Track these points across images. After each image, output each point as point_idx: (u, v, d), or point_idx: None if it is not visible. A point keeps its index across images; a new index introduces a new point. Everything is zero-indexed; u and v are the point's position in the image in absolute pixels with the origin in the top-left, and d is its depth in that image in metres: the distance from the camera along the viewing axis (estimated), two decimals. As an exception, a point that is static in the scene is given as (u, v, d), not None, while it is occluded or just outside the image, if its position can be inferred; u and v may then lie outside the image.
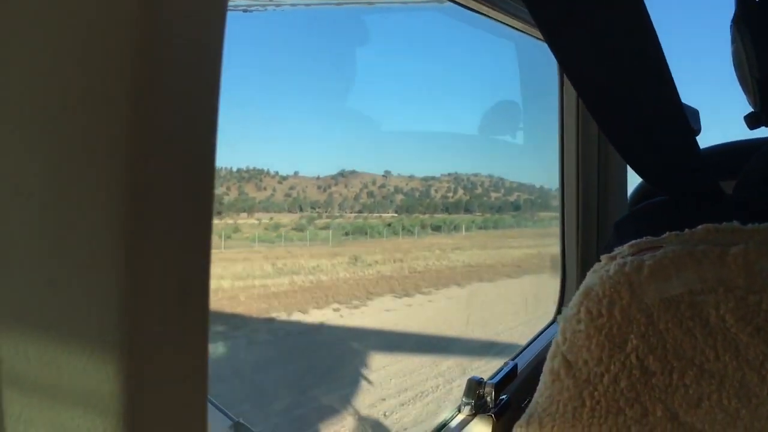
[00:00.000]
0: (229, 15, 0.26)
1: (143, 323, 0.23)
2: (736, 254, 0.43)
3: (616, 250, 0.48)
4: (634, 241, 0.48)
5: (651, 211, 0.62)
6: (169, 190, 0.23)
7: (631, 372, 0.44)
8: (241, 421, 0.66)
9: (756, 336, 0.41)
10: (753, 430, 0.42)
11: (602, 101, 0.55)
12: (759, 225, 0.45)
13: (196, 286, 0.25)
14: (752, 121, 0.58)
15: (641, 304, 0.44)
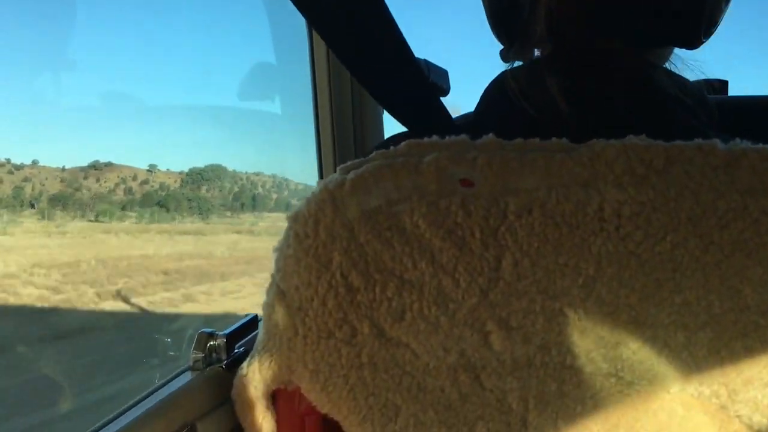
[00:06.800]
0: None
1: None
2: (429, 162, 0.43)
3: (329, 177, 0.48)
4: (343, 165, 0.47)
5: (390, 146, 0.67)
6: None
7: (337, 291, 0.44)
8: None
9: (447, 239, 0.42)
10: (452, 336, 0.43)
11: (347, 52, 0.59)
12: (455, 137, 0.45)
13: None
14: (503, 57, 0.62)
15: (344, 219, 0.44)
